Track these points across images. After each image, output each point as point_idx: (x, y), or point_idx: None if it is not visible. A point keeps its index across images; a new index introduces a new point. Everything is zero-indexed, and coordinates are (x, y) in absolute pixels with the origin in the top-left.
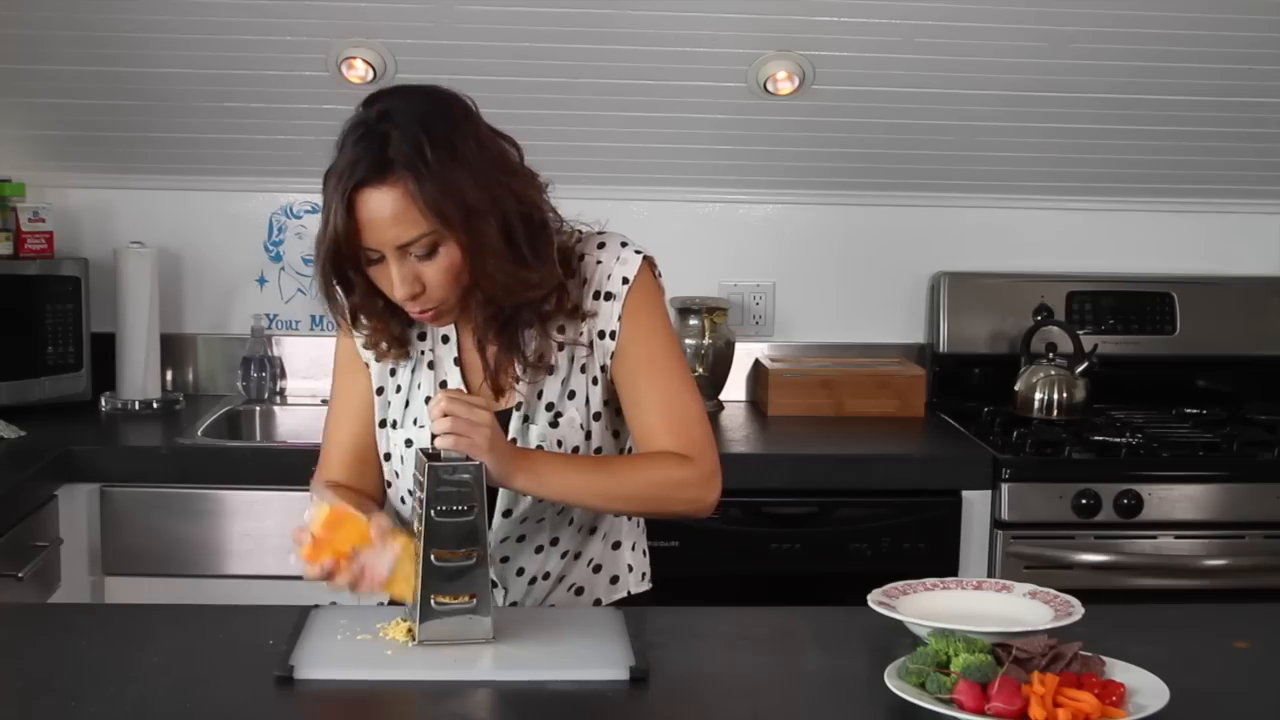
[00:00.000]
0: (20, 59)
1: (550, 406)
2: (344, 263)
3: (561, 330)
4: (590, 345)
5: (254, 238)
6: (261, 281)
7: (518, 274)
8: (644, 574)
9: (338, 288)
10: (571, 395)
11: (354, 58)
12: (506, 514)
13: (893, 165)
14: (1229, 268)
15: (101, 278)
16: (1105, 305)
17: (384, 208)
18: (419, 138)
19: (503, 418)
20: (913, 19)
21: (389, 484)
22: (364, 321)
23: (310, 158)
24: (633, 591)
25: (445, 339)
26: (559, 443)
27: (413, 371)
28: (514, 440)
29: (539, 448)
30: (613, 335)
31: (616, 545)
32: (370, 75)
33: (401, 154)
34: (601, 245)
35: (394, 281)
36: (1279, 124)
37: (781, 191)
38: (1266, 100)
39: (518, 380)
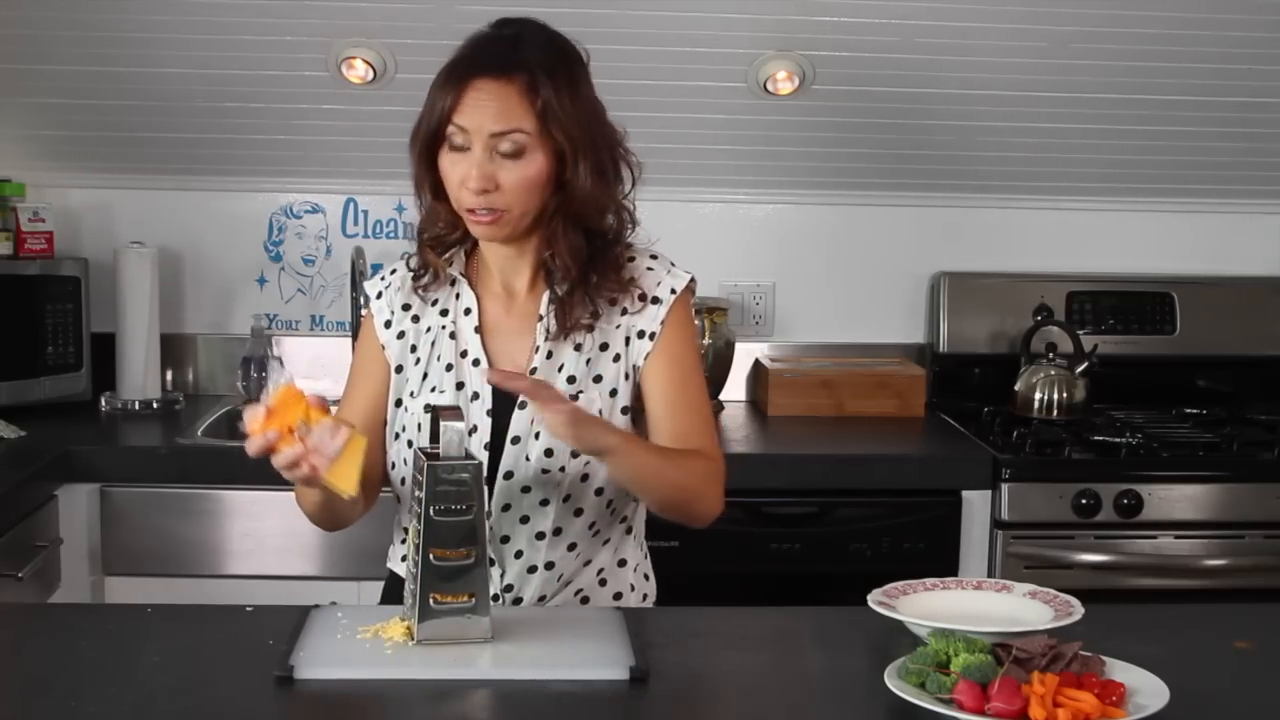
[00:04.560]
0: (20, 59)
1: (572, 380)
2: (436, 146)
3: (596, 316)
4: (627, 341)
5: (254, 238)
6: (261, 281)
7: (606, 192)
8: (645, 595)
9: (425, 171)
10: (598, 379)
11: (354, 58)
12: (508, 476)
13: (893, 165)
14: (1229, 268)
15: (101, 278)
16: (1105, 305)
17: (495, 98)
18: (551, 54)
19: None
20: (913, 19)
21: (393, 465)
22: (442, 210)
23: (310, 158)
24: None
25: (467, 311)
26: None
27: (433, 344)
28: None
29: None
30: (651, 336)
31: (622, 563)
32: (370, 75)
33: (531, 59)
34: (654, 257)
35: (471, 172)
36: (1278, 124)
37: (781, 191)
38: (1266, 100)
39: (587, 315)
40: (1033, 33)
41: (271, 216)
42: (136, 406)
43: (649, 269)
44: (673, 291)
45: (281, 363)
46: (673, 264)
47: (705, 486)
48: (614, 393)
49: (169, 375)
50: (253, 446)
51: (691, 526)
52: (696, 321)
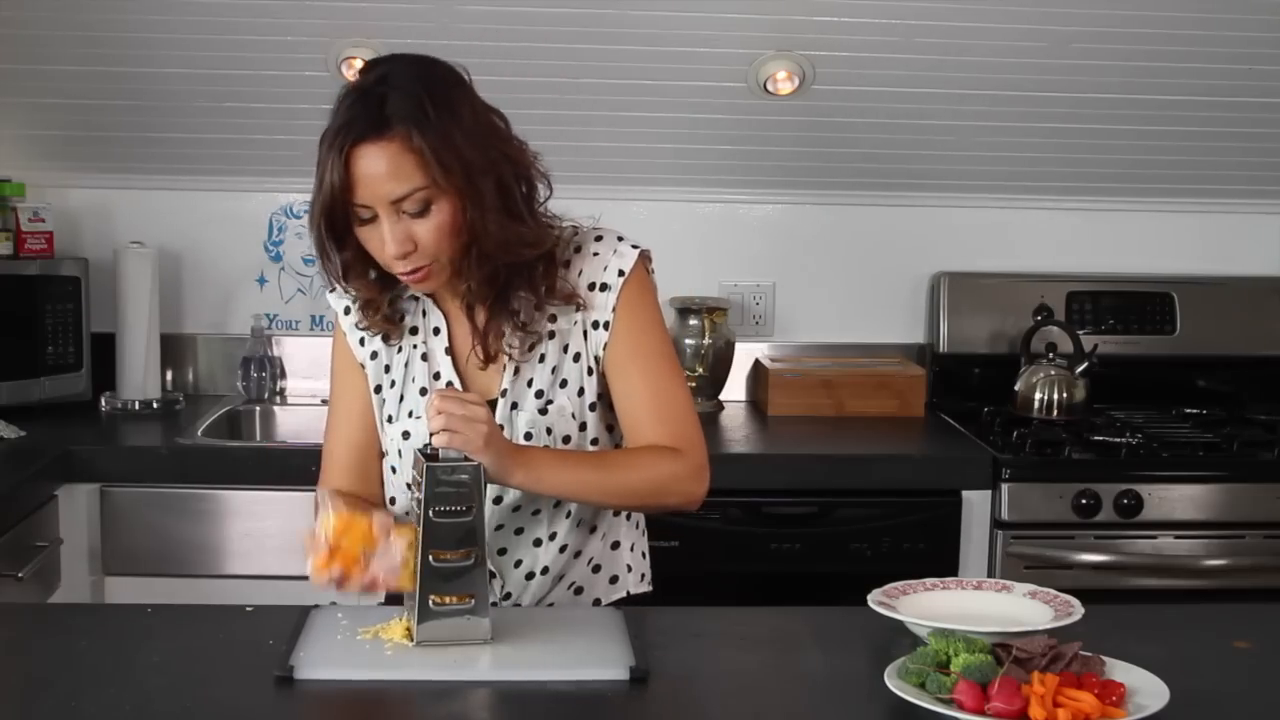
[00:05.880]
0: (20, 59)
1: (540, 394)
2: (338, 222)
3: (554, 320)
4: (585, 335)
5: (254, 238)
6: (261, 281)
7: (514, 230)
8: (643, 575)
9: (332, 248)
10: (564, 384)
11: (354, 58)
12: (497, 500)
13: (893, 165)
14: (1229, 268)
15: (101, 278)
16: (1105, 305)
17: (380, 163)
18: (419, 96)
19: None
20: (913, 19)
21: (392, 481)
22: (357, 287)
23: (310, 158)
24: (632, 592)
25: (436, 330)
26: (548, 430)
27: (405, 365)
28: (501, 428)
29: (528, 435)
30: (606, 326)
31: (615, 545)
32: None
33: (400, 111)
34: (599, 238)
35: (385, 239)
36: (1278, 124)
37: (781, 191)
38: (1266, 100)
39: (508, 345)
40: (1033, 33)
41: (271, 216)
42: (136, 406)
43: (595, 254)
44: (620, 274)
45: (329, 495)
46: (620, 238)
47: (667, 485)
48: (581, 391)
49: (169, 375)
50: (319, 581)
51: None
52: (695, 321)
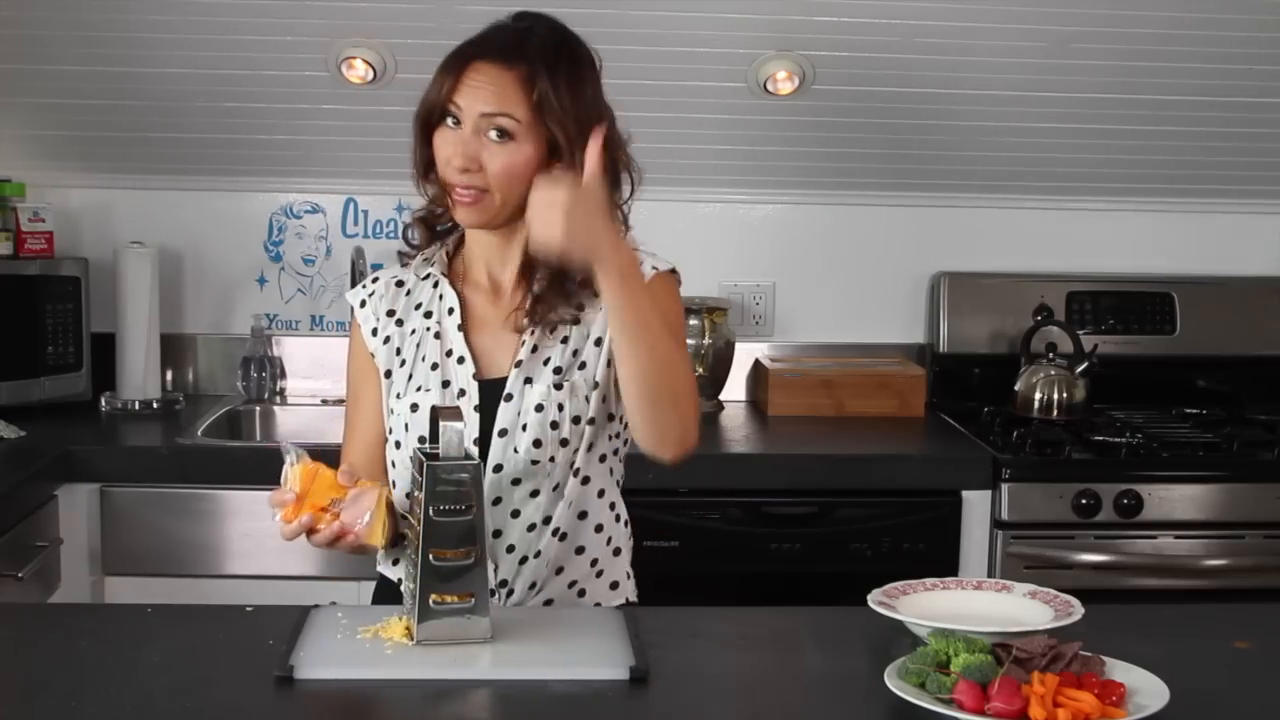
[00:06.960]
0: (20, 59)
1: (558, 370)
2: (433, 122)
3: (580, 308)
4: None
5: (254, 238)
6: (261, 281)
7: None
8: (633, 587)
9: (422, 145)
10: (582, 366)
11: (354, 58)
12: (497, 469)
13: (893, 165)
14: (1229, 268)
15: (101, 278)
16: (1105, 305)
17: (492, 83)
18: (558, 50)
19: (500, 381)
20: (913, 19)
21: (392, 464)
22: (429, 193)
23: (310, 158)
24: (630, 600)
25: (450, 310)
26: (560, 406)
27: (418, 345)
28: (510, 396)
29: (539, 407)
30: None
31: (618, 552)
32: (370, 75)
33: (535, 52)
34: (636, 250)
35: (458, 149)
36: (1277, 124)
37: (781, 191)
38: (1266, 100)
39: (555, 316)
40: (1033, 33)
41: (271, 216)
42: (136, 406)
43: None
44: (654, 269)
45: (291, 446)
46: (655, 255)
47: (689, 393)
48: (596, 384)
49: (169, 375)
50: (289, 532)
51: (661, 453)
52: (695, 321)
